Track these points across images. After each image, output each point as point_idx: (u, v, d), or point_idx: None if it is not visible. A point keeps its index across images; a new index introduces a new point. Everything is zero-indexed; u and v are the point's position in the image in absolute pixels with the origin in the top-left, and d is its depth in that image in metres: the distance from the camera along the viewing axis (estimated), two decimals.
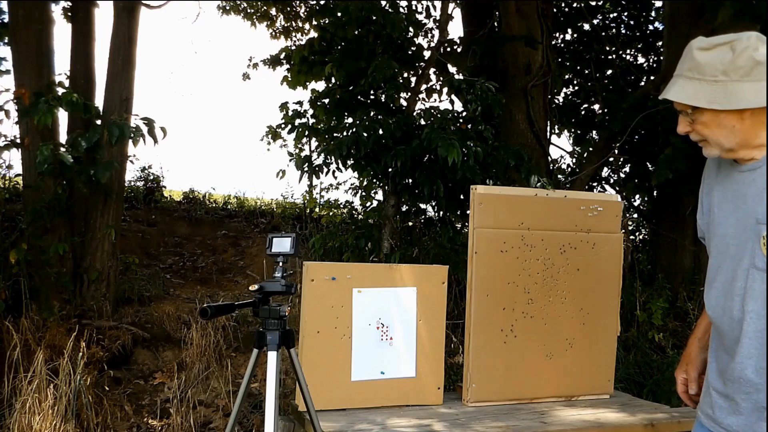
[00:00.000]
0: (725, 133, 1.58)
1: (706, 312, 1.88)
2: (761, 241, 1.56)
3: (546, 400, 3.08)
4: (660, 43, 7.51)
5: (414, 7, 6.62)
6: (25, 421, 3.40)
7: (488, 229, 2.98)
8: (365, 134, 4.64)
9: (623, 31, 8.02)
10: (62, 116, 5.39)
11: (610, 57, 7.90)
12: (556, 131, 7.87)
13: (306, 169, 5.01)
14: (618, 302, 3.20)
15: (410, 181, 4.92)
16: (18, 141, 5.19)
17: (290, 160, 5.47)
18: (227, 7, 8.45)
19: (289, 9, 8.32)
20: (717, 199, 1.73)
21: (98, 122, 5.27)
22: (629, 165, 7.02)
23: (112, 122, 4.92)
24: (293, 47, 7.05)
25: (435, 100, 5.68)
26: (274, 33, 8.51)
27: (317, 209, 8.56)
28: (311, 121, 5.65)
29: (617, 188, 7.31)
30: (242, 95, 34.25)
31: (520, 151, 4.91)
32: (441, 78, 6.01)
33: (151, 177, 9.71)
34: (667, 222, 6.03)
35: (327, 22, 5.57)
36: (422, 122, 5.02)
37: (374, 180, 5.29)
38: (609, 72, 7.77)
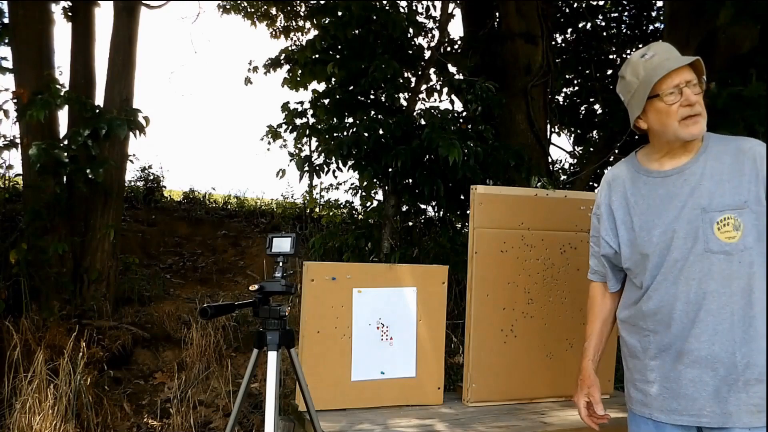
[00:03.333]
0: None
1: (592, 335, 2.09)
2: (714, 227, 1.79)
3: (546, 400, 3.08)
4: None
5: (414, 7, 6.61)
6: (25, 421, 3.40)
7: (488, 229, 2.98)
8: (366, 134, 4.64)
9: (623, 31, 8.01)
10: (63, 117, 5.40)
11: (610, 57, 7.89)
12: (556, 131, 7.87)
13: (306, 169, 5.01)
14: None
15: (410, 181, 4.92)
16: (17, 141, 5.19)
17: (291, 161, 5.46)
18: (227, 6, 8.44)
19: (289, 8, 8.31)
20: (638, 208, 1.93)
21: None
22: None
23: (104, 118, 4.92)
24: (293, 47, 7.04)
25: (435, 100, 5.68)
26: (274, 32, 8.50)
27: (317, 209, 8.56)
28: (311, 120, 5.65)
29: None
30: (242, 95, 34.27)
31: (520, 151, 4.91)
32: (441, 78, 6.01)
33: (151, 177, 9.72)
34: None
35: (327, 21, 5.57)
36: (422, 122, 5.02)
37: (374, 180, 5.29)
38: (609, 72, 7.76)
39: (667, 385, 1.85)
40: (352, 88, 5.19)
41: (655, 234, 1.87)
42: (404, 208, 5.23)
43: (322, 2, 6.25)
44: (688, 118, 1.81)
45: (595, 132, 7.69)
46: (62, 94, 4.74)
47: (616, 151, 6.27)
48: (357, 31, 5.26)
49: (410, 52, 5.59)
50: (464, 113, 5.42)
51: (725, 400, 1.76)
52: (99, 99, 5.62)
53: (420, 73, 5.62)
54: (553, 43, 7.13)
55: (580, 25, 7.89)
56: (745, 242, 1.78)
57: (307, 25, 8.29)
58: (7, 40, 5.53)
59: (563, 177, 7.29)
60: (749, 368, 1.76)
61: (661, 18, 7.57)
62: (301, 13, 8.36)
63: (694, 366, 1.80)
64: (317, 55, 5.54)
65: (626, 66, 1.92)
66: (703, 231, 1.80)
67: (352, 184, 6.82)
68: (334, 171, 5.01)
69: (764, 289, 1.78)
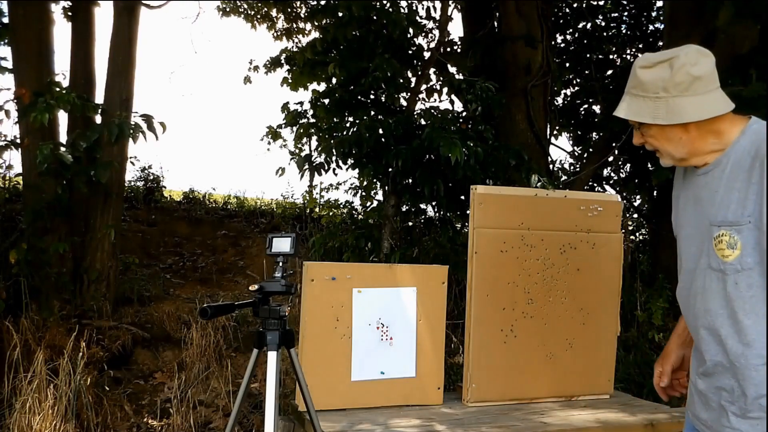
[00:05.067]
0: (673, 144, 1.65)
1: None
2: (713, 242, 1.62)
3: (546, 400, 3.08)
4: (660, 43, 7.51)
5: (414, 8, 6.62)
6: (25, 421, 3.40)
7: (488, 229, 2.98)
8: (367, 134, 4.64)
9: (623, 31, 8.01)
10: (62, 116, 5.40)
11: (610, 57, 7.89)
12: (556, 133, 7.87)
13: (307, 168, 5.02)
14: (618, 302, 3.20)
15: (410, 181, 4.92)
16: (18, 141, 5.19)
17: (291, 160, 5.46)
18: (227, 9, 8.43)
19: (289, 10, 8.30)
20: (682, 203, 1.80)
21: (98, 121, 5.28)
22: (629, 165, 7.01)
23: (111, 121, 4.92)
24: (294, 48, 7.05)
25: (435, 100, 5.68)
26: (276, 34, 8.49)
27: (317, 209, 8.57)
28: (312, 120, 5.65)
29: (617, 188, 7.31)
30: (242, 95, 34.26)
31: (520, 151, 4.91)
32: (441, 78, 6.01)
33: (151, 177, 9.72)
34: (667, 222, 5.99)
35: (327, 22, 5.57)
36: (422, 122, 5.02)
37: (374, 180, 5.30)
38: (609, 72, 7.77)
39: (692, 389, 1.80)
40: (352, 88, 5.20)
41: (681, 236, 1.77)
42: (404, 208, 5.23)
43: (322, 3, 6.26)
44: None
45: (594, 132, 7.69)
46: (69, 99, 4.72)
47: (616, 151, 6.28)
48: (357, 32, 5.27)
49: (410, 52, 5.59)
50: (464, 113, 5.42)
51: (717, 421, 1.68)
52: (99, 99, 5.62)
53: (420, 73, 5.63)
54: (553, 43, 7.13)
55: (580, 26, 7.89)
56: (743, 262, 1.56)
57: (308, 26, 8.28)
58: (7, 40, 5.53)
59: (563, 177, 7.29)
60: (742, 398, 1.62)
61: (661, 18, 7.58)
62: (302, 15, 8.35)
63: (704, 380, 1.72)
64: (317, 57, 5.55)
65: None
66: (707, 245, 1.64)
67: (352, 184, 6.83)
68: (334, 169, 5.01)
69: (763, 316, 1.56)
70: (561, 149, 9.12)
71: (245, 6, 8.41)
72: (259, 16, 8.40)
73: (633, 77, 1.66)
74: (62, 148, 4.89)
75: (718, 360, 1.66)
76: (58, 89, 4.89)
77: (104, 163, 4.96)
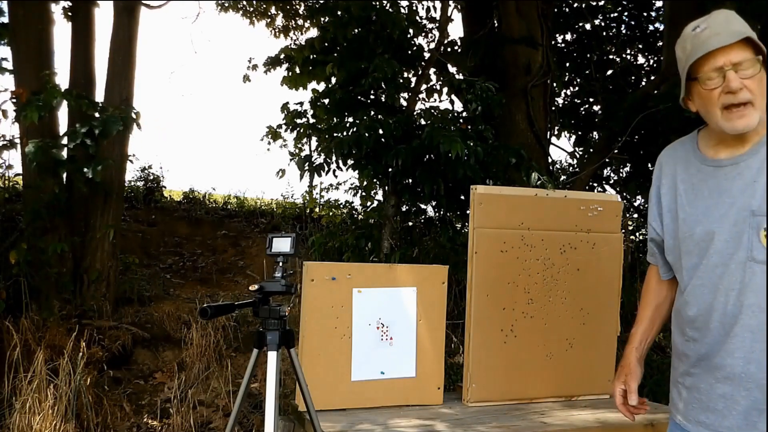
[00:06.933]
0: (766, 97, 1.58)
1: (641, 321, 1.92)
2: (762, 233, 1.55)
3: (546, 400, 3.08)
4: (660, 43, 7.51)
5: (414, 8, 6.62)
6: (25, 421, 3.40)
7: (488, 229, 2.98)
8: (366, 134, 4.64)
9: (623, 31, 8.02)
10: (63, 116, 5.40)
11: (610, 57, 7.90)
12: (556, 133, 7.87)
13: (307, 168, 5.02)
14: (618, 302, 3.20)
15: (410, 180, 4.92)
16: (17, 141, 5.19)
17: (291, 160, 5.46)
18: (226, 4, 8.44)
19: (288, 7, 8.30)
20: (686, 198, 1.72)
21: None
22: (629, 165, 7.01)
23: (99, 117, 4.91)
24: (292, 46, 7.04)
25: (435, 100, 5.68)
26: (273, 32, 8.49)
27: (317, 209, 8.57)
28: (311, 120, 5.65)
29: (617, 188, 7.32)
30: (242, 95, 34.26)
31: (520, 149, 4.91)
32: (441, 78, 6.01)
33: (151, 177, 9.72)
34: None
35: (327, 21, 5.57)
36: (422, 122, 5.02)
37: (374, 180, 5.29)
38: (609, 72, 7.77)
39: (698, 396, 1.70)
40: (351, 88, 5.20)
41: (697, 232, 1.67)
42: (404, 208, 5.23)
43: (321, 1, 6.25)
44: (731, 107, 1.57)
45: (595, 132, 7.69)
46: (61, 96, 4.71)
47: (616, 151, 6.28)
48: (357, 31, 5.26)
49: (410, 52, 5.59)
50: (464, 113, 5.41)
51: (754, 425, 1.59)
52: (99, 99, 5.62)
53: (420, 73, 5.62)
54: (553, 43, 7.13)
55: (580, 26, 7.89)
56: None
57: (307, 24, 8.29)
58: (7, 40, 5.53)
59: (563, 177, 7.29)
60: None
61: (661, 18, 7.58)
62: (301, 12, 8.36)
63: (726, 382, 1.63)
64: (315, 56, 5.55)
65: (679, 40, 1.68)
66: (749, 237, 1.57)
67: (352, 184, 6.82)
68: (334, 171, 5.01)
69: None
70: (561, 149, 9.13)
71: (244, 2, 8.42)
72: (257, 13, 8.41)
73: (743, 25, 1.65)
74: (55, 149, 4.88)
75: (753, 357, 1.58)
76: (50, 86, 4.87)
77: (99, 160, 4.95)
